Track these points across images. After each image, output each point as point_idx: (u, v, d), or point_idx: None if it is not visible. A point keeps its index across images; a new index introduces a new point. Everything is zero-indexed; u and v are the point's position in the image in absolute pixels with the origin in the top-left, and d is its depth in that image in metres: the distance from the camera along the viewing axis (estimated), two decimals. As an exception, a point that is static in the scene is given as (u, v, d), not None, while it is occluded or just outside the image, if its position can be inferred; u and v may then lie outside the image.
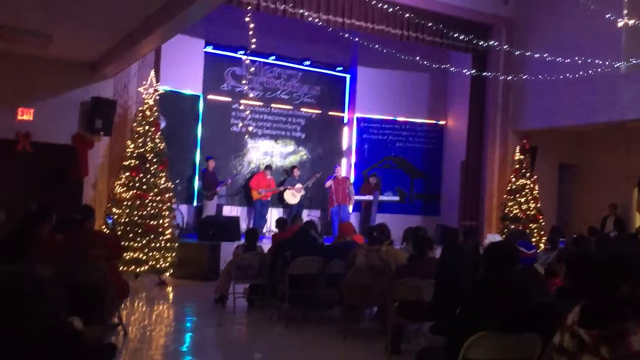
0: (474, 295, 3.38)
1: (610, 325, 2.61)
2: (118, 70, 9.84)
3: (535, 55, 11.17)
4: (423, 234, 6.32)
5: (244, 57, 10.38)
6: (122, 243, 8.95)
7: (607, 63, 10.34)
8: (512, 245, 3.98)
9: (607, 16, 9.82)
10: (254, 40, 7.90)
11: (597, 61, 10.23)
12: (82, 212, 5.97)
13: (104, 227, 7.84)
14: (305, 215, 13.58)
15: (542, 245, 10.07)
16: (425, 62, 12.29)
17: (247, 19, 8.01)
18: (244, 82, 10.42)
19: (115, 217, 8.79)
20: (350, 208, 13.77)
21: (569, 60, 10.57)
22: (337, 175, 13.18)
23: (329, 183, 13.09)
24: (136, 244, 9.10)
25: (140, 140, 9.42)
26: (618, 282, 2.70)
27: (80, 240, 5.67)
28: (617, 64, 10.44)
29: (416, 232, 6.33)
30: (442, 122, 15.08)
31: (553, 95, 11.75)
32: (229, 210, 12.92)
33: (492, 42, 12.41)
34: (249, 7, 10.11)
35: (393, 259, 6.22)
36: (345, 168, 14.67)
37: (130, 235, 9.10)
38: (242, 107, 13.09)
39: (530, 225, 12.13)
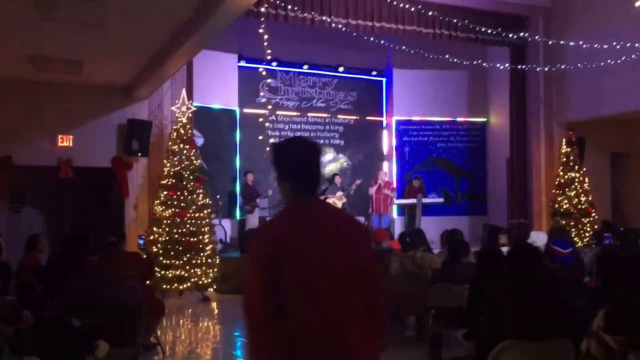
0: (496, 299, 3.19)
1: (637, 331, 2.39)
2: (151, 91, 10.00)
3: (571, 44, 10.77)
4: (460, 236, 6.10)
5: (260, 68, 10.30)
6: (164, 261, 9.15)
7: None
8: (533, 246, 3.75)
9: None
10: (269, 51, 7.86)
11: (637, 45, 9.73)
12: (116, 234, 6.05)
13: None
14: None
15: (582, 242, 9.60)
16: (461, 60, 12.00)
17: (260, 30, 7.96)
18: (261, 94, 10.37)
19: (151, 236, 8.90)
20: (394, 214, 13.56)
21: (607, 46, 10.10)
22: (380, 182, 12.79)
23: (372, 190, 12.71)
24: (178, 262, 9.18)
25: (176, 159, 9.52)
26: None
27: (114, 262, 5.74)
28: (662, 46, 9.92)
29: (451, 235, 6.12)
30: (484, 120, 14.71)
31: (596, 84, 11.25)
32: (271, 223, 12.90)
33: (529, 33, 12.02)
34: (277, 19, 10.14)
35: (428, 265, 6.03)
36: (387, 172, 14.48)
37: (172, 253, 9.19)
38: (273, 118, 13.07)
39: (583, 219, 11.62)
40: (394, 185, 13.62)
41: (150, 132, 10.03)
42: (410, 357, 5.86)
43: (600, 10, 11.31)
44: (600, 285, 2.87)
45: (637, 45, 9.92)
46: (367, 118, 14.39)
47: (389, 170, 14.49)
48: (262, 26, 8.04)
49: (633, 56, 10.06)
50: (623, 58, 10.14)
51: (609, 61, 10.38)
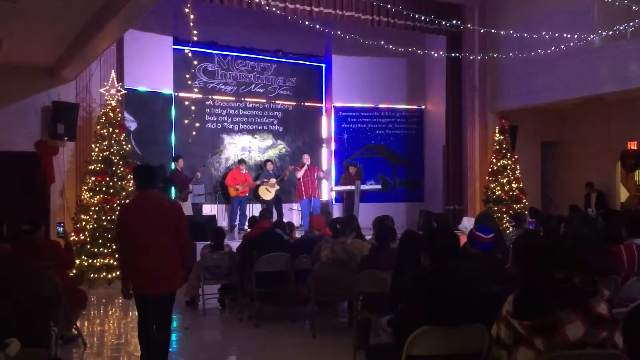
0: (413, 286, 3.16)
1: (544, 315, 2.40)
2: (78, 72, 9.57)
3: (502, 33, 10.97)
4: (389, 223, 6.10)
5: (186, 50, 10.04)
6: (92, 249, 8.82)
7: (581, 37, 10.12)
8: (450, 230, 3.74)
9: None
10: (195, 32, 7.63)
11: (568, 36, 10.00)
12: (31, 222, 5.73)
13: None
14: (287, 210, 13.40)
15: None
16: (399, 47, 12.04)
17: (187, 10, 7.71)
18: (187, 75, 10.12)
19: (78, 224, 8.58)
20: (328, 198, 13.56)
21: (538, 36, 10.34)
22: (305, 165, 12.53)
23: (300, 174, 12.52)
24: (106, 250, 8.89)
25: (105, 143, 9.18)
26: (552, 268, 2.48)
27: (29, 252, 5.45)
28: (591, 38, 10.22)
29: (381, 221, 6.11)
30: (421, 107, 14.86)
31: (529, 73, 11.52)
32: (209, 209, 12.70)
33: (465, 22, 12.17)
34: (212, 1, 9.90)
35: (359, 251, 6.00)
36: (326, 158, 14.45)
37: (100, 241, 8.89)
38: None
39: (514, 205, 11.92)
40: (323, 169, 13.57)
41: (77, 115, 9.61)
42: (341, 342, 5.83)
43: (529, 1, 11.55)
44: (515, 271, 2.86)
45: (566, 35, 10.18)
46: (306, 104, 14.29)
47: (328, 156, 14.48)
48: (188, 5, 7.75)
49: (563, 47, 10.34)
50: (553, 48, 10.40)
51: (540, 51, 10.63)
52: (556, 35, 10.24)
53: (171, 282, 4.64)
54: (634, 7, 9.13)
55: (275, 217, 10.99)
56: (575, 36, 10.12)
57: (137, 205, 4.69)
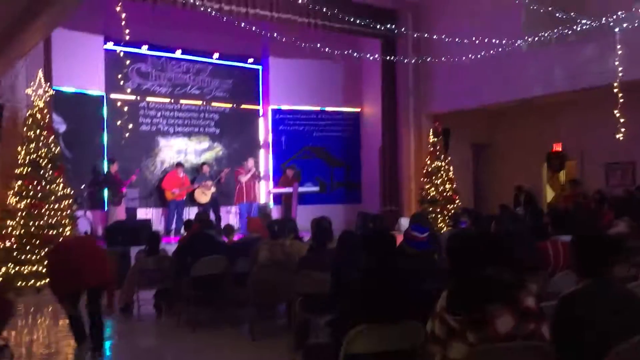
0: (351, 286, 3.20)
1: (476, 310, 2.48)
2: (2, 72, 9.12)
3: (434, 37, 11.28)
4: (326, 224, 6.14)
5: (118, 50, 9.80)
6: (19, 256, 8.46)
7: (509, 42, 10.51)
8: (388, 231, 3.82)
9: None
10: (127, 30, 7.46)
11: (496, 41, 10.37)
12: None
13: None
14: (225, 212, 13.26)
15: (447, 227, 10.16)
16: (335, 50, 12.15)
17: (118, 9, 7.52)
18: (119, 76, 9.89)
19: (3, 230, 8.20)
20: (271, 203, 13.55)
21: (470, 41, 10.67)
22: (251, 171, 12.63)
23: (245, 178, 12.57)
24: (35, 257, 8.53)
25: (32, 146, 8.81)
26: (483, 263, 2.57)
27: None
28: (518, 42, 10.64)
29: (319, 222, 6.14)
30: (358, 110, 15.05)
31: (460, 76, 11.88)
32: (144, 213, 12.40)
33: (399, 26, 12.42)
34: (145, 0, 9.69)
35: (297, 253, 6.01)
36: (264, 161, 14.40)
37: (28, 247, 8.52)
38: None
39: (448, 206, 12.26)
40: (270, 174, 13.60)
41: (1, 116, 9.17)
42: (280, 344, 5.81)
43: (461, 7, 11.92)
44: (449, 268, 2.94)
45: (495, 41, 10.55)
46: (243, 106, 14.21)
47: (265, 159, 14.43)
48: (120, 4, 7.56)
49: (492, 52, 10.72)
50: (483, 53, 10.77)
51: (470, 56, 10.97)
52: (485, 40, 10.60)
53: None
54: (557, 14, 9.57)
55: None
56: (504, 41, 10.51)
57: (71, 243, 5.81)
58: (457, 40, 10.87)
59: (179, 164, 12.55)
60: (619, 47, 9.22)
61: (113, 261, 9.34)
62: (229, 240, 7.48)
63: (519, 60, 10.97)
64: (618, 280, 2.85)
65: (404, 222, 6.36)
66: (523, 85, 11.03)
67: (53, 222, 8.72)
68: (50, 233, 8.64)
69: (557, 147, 12.89)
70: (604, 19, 9.29)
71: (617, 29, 9.26)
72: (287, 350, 5.50)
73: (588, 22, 9.47)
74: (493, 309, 2.46)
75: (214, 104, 13.79)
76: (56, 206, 8.80)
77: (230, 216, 13.31)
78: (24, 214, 8.61)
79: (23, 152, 8.81)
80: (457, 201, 12.37)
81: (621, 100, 9.19)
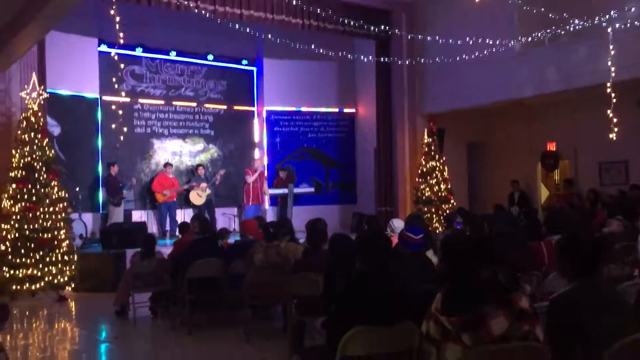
0: (346, 289, 3.21)
1: (470, 311, 2.49)
2: (-5, 75, 9.14)
3: (428, 38, 11.32)
4: (322, 225, 6.14)
5: (112, 52, 9.79)
6: (14, 260, 8.45)
7: (502, 43, 10.55)
8: (383, 233, 3.84)
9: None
10: (121, 34, 7.45)
11: (490, 41, 10.41)
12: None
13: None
14: (220, 214, 13.25)
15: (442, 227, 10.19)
16: (329, 51, 12.16)
17: (112, 11, 7.52)
18: (114, 78, 9.88)
19: (2, 233, 8.19)
20: (267, 204, 13.56)
21: (461, 42, 10.70)
22: (259, 170, 12.59)
23: (252, 178, 12.45)
24: (29, 260, 8.51)
25: (26, 149, 8.78)
26: (477, 265, 2.59)
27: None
28: (511, 43, 10.68)
29: (314, 224, 6.15)
30: (352, 111, 15.08)
31: (454, 77, 11.90)
32: (138, 216, 12.39)
33: (393, 27, 12.44)
34: (140, 2, 9.70)
35: (293, 255, 6.02)
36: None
37: (22, 251, 8.50)
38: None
39: (443, 206, 12.28)
40: (266, 175, 13.61)
41: (-5, 119, 9.18)
42: (275, 347, 5.83)
43: (454, 7, 11.95)
44: (443, 269, 2.96)
45: (489, 41, 10.59)
46: (238, 108, 14.21)
47: (260, 160, 14.41)
48: (114, 7, 7.56)
49: (485, 52, 10.75)
50: (477, 53, 10.80)
51: (464, 56, 11.00)
52: (479, 40, 10.63)
53: None
54: (550, 15, 9.61)
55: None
56: (497, 42, 10.55)
57: None
58: (450, 40, 10.90)
59: (168, 164, 12.52)
60: (611, 47, 9.26)
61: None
62: (224, 244, 7.48)
63: (512, 60, 11.01)
64: (610, 280, 2.87)
65: (396, 224, 6.33)
66: (516, 85, 11.07)
67: (48, 225, 8.69)
68: (45, 236, 8.62)
69: (551, 147, 12.94)
70: (596, 18, 9.32)
71: (609, 29, 9.29)
72: (283, 352, 5.50)
73: (580, 23, 9.50)
74: (487, 311, 2.48)
75: (208, 105, 13.79)
76: (51, 209, 8.77)
77: (226, 218, 13.31)
78: (18, 217, 8.58)
79: (17, 156, 8.78)
80: (452, 201, 12.39)
81: (614, 100, 9.23)
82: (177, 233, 10.11)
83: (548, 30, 10.10)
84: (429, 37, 11.57)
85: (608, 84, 9.25)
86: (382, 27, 12.19)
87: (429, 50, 12.22)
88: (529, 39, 10.33)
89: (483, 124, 13.79)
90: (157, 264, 7.23)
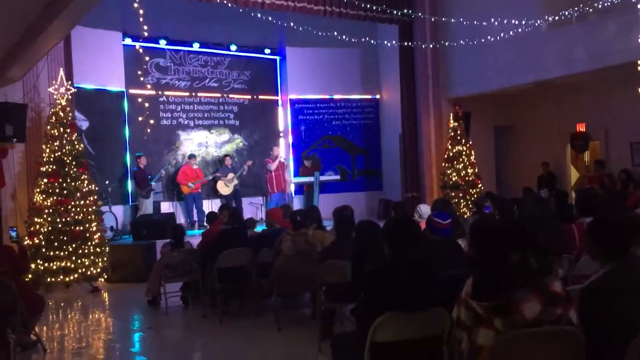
0: (375, 275, 3.20)
1: (502, 296, 2.47)
2: (25, 71, 9.26)
3: (452, 21, 11.15)
4: (348, 213, 6.13)
5: (136, 45, 9.87)
6: (48, 253, 8.62)
7: (529, 22, 10.35)
8: (412, 219, 3.81)
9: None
10: (145, 27, 7.50)
11: (515, 22, 10.22)
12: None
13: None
14: (247, 204, 13.34)
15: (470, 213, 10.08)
16: (352, 38, 12.08)
17: (135, 5, 7.56)
18: (139, 72, 9.96)
19: (32, 227, 8.35)
20: (293, 193, 13.61)
21: (487, 23, 10.53)
22: (279, 158, 12.79)
23: (273, 166, 12.59)
24: (63, 253, 8.68)
25: (56, 144, 8.93)
26: (508, 250, 2.55)
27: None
28: (538, 23, 10.46)
29: (341, 211, 6.14)
30: (376, 97, 14.98)
31: (479, 60, 11.74)
32: (167, 207, 12.54)
33: (416, 11, 12.29)
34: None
35: (320, 242, 6.03)
36: (284, 151, 14.43)
37: (56, 243, 8.67)
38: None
39: (470, 191, 12.15)
40: (285, 164, 13.66)
41: (25, 115, 9.31)
42: (304, 334, 5.85)
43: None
44: (473, 254, 2.93)
45: (514, 22, 10.40)
46: (262, 97, 14.23)
47: (286, 149, 14.46)
48: (137, 0, 7.61)
49: (511, 33, 10.56)
50: (502, 34, 10.61)
51: (489, 38, 10.82)
52: (504, 21, 10.45)
53: None
54: (578, -7, 9.40)
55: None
56: (523, 22, 10.35)
57: None
58: (475, 22, 10.73)
59: (192, 156, 12.61)
60: (642, 23, 9.02)
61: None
62: (252, 234, 7.53)
63: (539, 40, 10.79)
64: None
65: (424, 209, 6.28)
66: (544, 66, 10.85)
67: (79, 218, 8.84)
68: (77, 229, 8.77)
69: (581, 128, 12.68)
70: (625, -5, 9.09)
71: (639, 5, 9.04)
72: (313, 339, 5.53)
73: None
74: (519, 295, 2.45)
75: (232, 95, 13.84)
76: (82, 202, 8.92)
77: (253, 207, 13.39)
78: (50, 211, 8.74)
79: (48, 150, 8.93)
80: (479, 185, 12.25)
81: (645, 78, 9.00)
82: (204, 223, 10.20)
83: (576, 8, 9.87)
84: (452, 20, 11.41)
85: (639, 62, 9.01)
86: (405, 10, 12.07)
87: (452, 33, 12.04)
88: (556, 17, 10.10)
89: (510, 107, 13.58)
90: (186, 254, 7.32)
